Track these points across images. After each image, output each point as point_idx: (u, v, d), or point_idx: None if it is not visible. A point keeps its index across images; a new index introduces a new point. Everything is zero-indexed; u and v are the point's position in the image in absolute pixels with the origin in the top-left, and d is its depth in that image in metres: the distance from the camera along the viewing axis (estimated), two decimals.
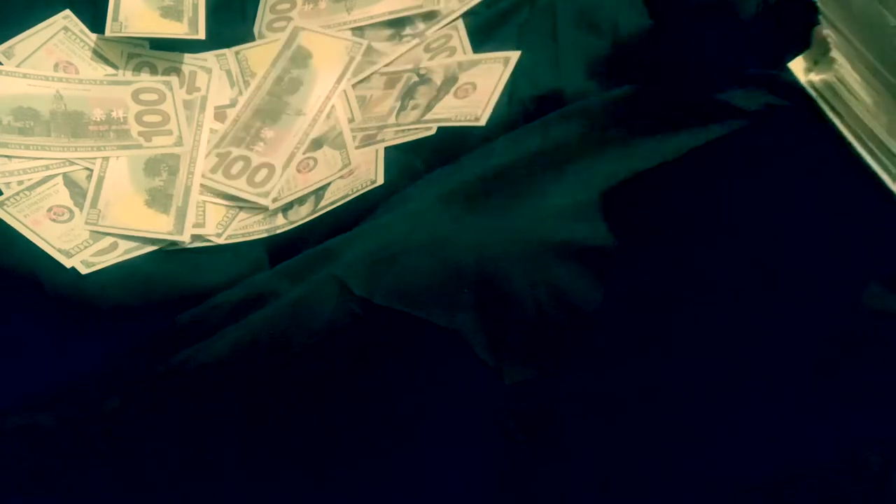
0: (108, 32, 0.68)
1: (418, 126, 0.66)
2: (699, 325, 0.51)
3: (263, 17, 0.76)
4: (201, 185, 0.66)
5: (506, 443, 0.53)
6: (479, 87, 0.66)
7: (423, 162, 0.64)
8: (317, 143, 0.68)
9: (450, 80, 0.68)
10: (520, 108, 0.65)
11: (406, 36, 0.73)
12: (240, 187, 0.66)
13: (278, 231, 0.65)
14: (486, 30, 0.70)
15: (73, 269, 0.59)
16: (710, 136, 0.55)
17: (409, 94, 0.69)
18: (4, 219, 0.61)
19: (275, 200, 0.66)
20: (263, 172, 0.67)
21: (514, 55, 0.67)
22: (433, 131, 0.65)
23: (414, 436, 0.53)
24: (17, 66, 0.67)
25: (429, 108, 0.67)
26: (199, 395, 0.53)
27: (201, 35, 0.69)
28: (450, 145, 0.64)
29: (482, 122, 0.64)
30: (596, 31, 0.67)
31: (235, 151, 0.67)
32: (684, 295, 0.51)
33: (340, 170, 0.66)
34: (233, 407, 0.53)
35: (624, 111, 0.61)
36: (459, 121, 0.65)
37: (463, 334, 0.52)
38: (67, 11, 0.70)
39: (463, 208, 0.56)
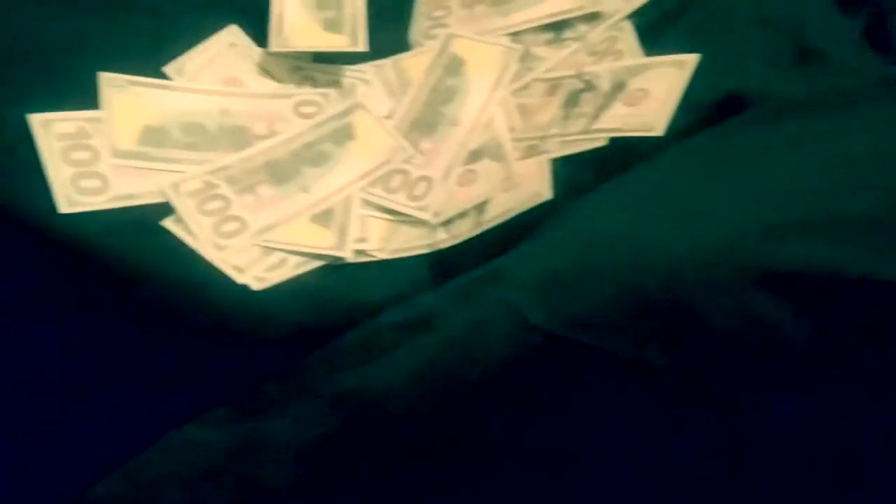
0: (272, 48, 0.61)
1: (586, 137, 0.55)
2: None
3: (419, 23, 0.67)
4: (362, 199, 0.59)
5: (692, 478, 0.43)
6: (652, 93, 0.55)
7: (591, 174, 0.54)
8: (476, 155, 0.59)
9: (618, 86, 0.57)
10: (697, 114, 0.54)
11: (567, 39, 0.63)
12: (400, 201, 0.58)
13: (440, 246, 0.56)
14: (654, 31, 0.58)
15: (244, 285, 0.53)
16: None
17: (572, 101, 0.58)
18: (176, 234, 0.55)
19: (436, 215, 0.57)
20: (422, 186, 0.58)
21: (691, 58, 0.55)
22: (604, 142, 0.54)
23: (595, 473, 0.44)
24: (187, 81, 0.61)
25: (596, 116, 0.56)
26: (374, 425, 0.46)
27: (363, 47, 0.61)
28: (620, 156, 0.54)
29: (659, 132, 0.52)
30: (777, 27, 0.55)
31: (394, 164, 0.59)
32: None
33: (502, 182, 0.57)
34: (408, 439, 0.45)
35: (815, 108, 0.49)
36: (633, 131, 0.54)
37: (650, 366, 0.42)
38: (234, 27, 0.62)
39: (644, 226, 0.46)
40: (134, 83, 0.57)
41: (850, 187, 0.43)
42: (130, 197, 0.54)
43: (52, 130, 0.54)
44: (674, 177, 0.46)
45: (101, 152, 0.54)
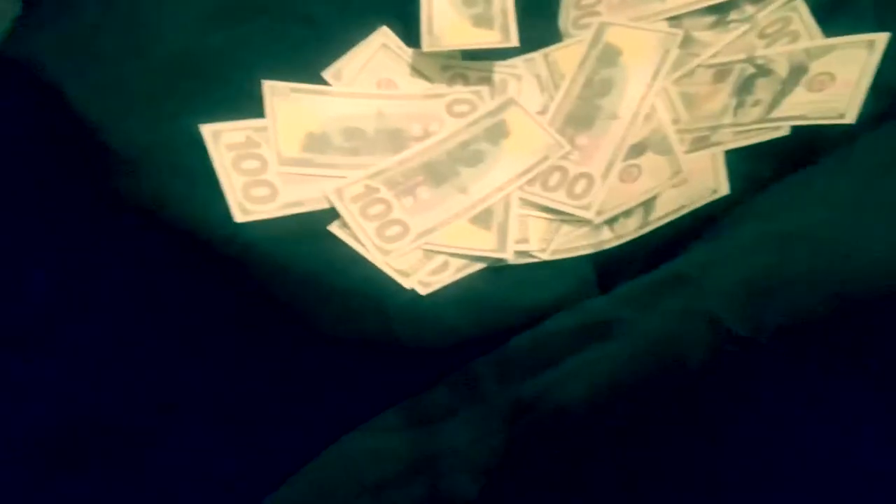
0: (424, 47, 0.58)
1: (765, 126, 0.49)
2: None
3: (568, 13, 0.62)
4: (520, 198, 0.55)
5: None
6: (838, 77, 0.49)
7: (771, 168, 0.48)
8: (638, 149, 0.54)
9: (797, 70, 0.51)
10: (889, 99, 0.47)
11: (732, 22, 0.57)
12: (559, 199, 0.54)
13: (605, 246, 0.52)
14: (831, 8, 0.52)
15: (411, 289, 0.51)
16: None
17: (745, 88, 0.52)
18: (343, 239, 0.53)
19: (599, 213, 0.53)
20: (582, 183, 0.54)
21: (882, 37, 0.48)
22: (786, 131, 0.48)
23: (806, 491, 0.39)
24: (345, 86, 0.59)
25: (774, 103, 0.50)
26: (557, 439, 0.42)
27: (514, 42, 0.57)
28: (803, 147, 0.48)
29: (850, 120, 0.46)
30: None
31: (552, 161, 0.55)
32: None
33: (670, 178, 0.52)
34: (596, 456, 0.42)
35: None
36: (819, 118, 0.48)
37: (868, 383, 0.37)
38: (385, 28, 0.60)
39: (846, 228, 0.40)
40: (296, 90, 0.56)
41: None
42: (298, 204, 0.53)
43: (222, 141, 0.53)
44: (872, 172, 0.40)
45: (269, 161, 0.53)
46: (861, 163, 0.42)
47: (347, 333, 0.48)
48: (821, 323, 0.37)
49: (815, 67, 0.48)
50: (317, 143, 0.54)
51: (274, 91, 0.55)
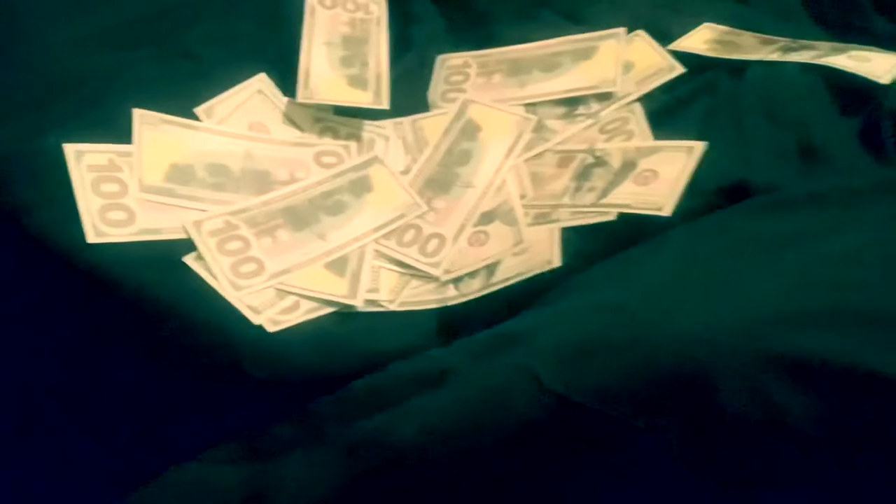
0: (299, 98, 0.61)
1: (597, 210, 0.56)
2: None
3: (438, 87, 0.68)
4: (375, 250, 0.59)
5: None
6: (660, 175, 0.56)
7: (599, 246, 0.54)
8: (488, 218, 0.59)
9: (628, 165, 0.58)
10: (701, 199, 0.55)
11: (579, 115, 0.64)
12: (412, 255, 0.58)
13: (449, 303, 0.56)
14: (664, 115, 0.60)
15: (260, 326, 0.53)
16: None
17: (584, 174, 0.59)
18: (196, 271, 0.54)
19: (446, 272, 0.57)
20: (434, 242, 0.59)
21: (699, 145, 0.57)
22: (613, 217, 0.55)
23: None
24: (216, 124, 0.62)
25: (606, 191, 0.57)
26: (388, 477, 0.45)
27: (385, 105, 0.62)
28: (628, 233, 0.54)
29: (667, 213, 0.53)
30: (783, 125, 0.56)
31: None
32: None
33: (513, 246, 0.57)
34: (422, 494, 0.45)
35: (818, 204, 0.50)
36: (642, 208, 0.55)
37: (662, 438, 0.43)
38: (263, 75, 0.63)
39: (659, 303, 0.46)
40: (165, 121, 0.57)
41: (856, 283, 0.44)
42: (155, 231, 0.53)
43: (84, 161, 0.54)
44: (684, 256, 0.47)
45: (130, 186, 0.54)
46: (674, 250, 0.49)
47: (195, 364, 0.49)
48: (630, 385, 0.42)
49: (643, 164, 0.55)
50: (180, 174, 0.55)
51: (143, 119, 0.56)
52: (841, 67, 0.55)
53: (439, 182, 0.57)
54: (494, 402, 0.41)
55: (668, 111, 0.56)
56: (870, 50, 0.57)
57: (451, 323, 0.51)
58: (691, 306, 0.42)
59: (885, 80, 0.53)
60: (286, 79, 0.60)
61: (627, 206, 0.51)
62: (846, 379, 0.39)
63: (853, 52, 0.56)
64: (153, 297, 0.49)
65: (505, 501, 0.41)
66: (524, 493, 0.41)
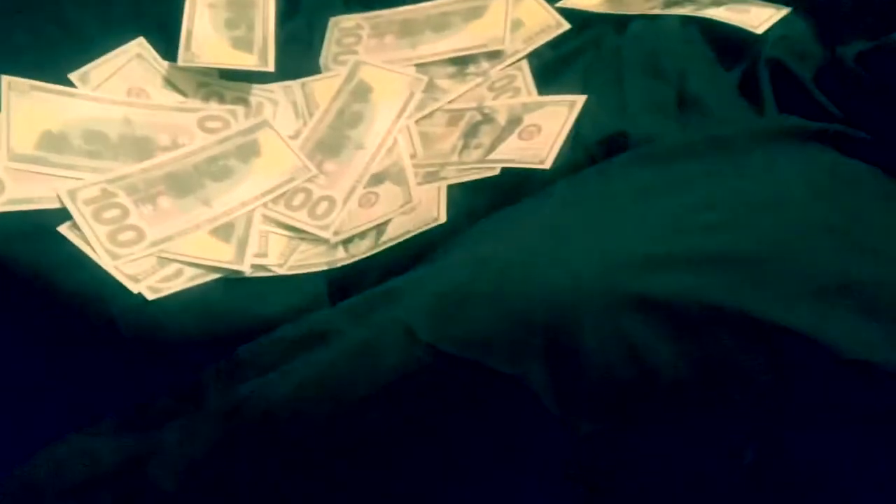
0: (180, 62, 0.60)
1: (482, 166, 0.56)
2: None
3: (329, 49, 0.67)
4: (263, 215, 0.58)
5: (572, 495, 0.45)
6: (543, 129, 0.57)
7: (484, 202, 0.55)
8: (378, 178, 0.59)
9: (514, 121, 0.59)
10: (584, 151, 0.55)
11: (469, 74, 0.64)
12: (301, 219, 0.58)
13: (338, 264, 0.56)
14: (550, 72, 0.60)
15: (139, 294, 0.52)
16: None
17: (472, 132, 0.60)
18: (73, 241, 0.53)
19: (336, 234, 0.57)
20: (324, 205, 0.59)
21: (580, 99, 0.58)
22: (497, 172, 0.55)
23: (481, 486, 0.45)
24: (91, 90, 0.60)
25: (492, 147, 0.58)
26: (264, 435, 0.45)
27: (270, 68, 0.61)
28: (512, 187, 0.55)
29: (547, 166, 0.55)
30: (663, 78, 0.58)
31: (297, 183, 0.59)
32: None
33: (402, 206, 0.57)
34: (297, 449, 0.45)
35: (692, 154, 0.52)
36: (524, 162, 0.56)
37: (530, 383, 0.44)
38: (141, 39, 0.61)
39: (528, 253, 0.48)
40: (37, 88, 0.55)
41: (725, 226, 0.45)
42: (27, 201, 0.52)
43: None
44: (559, 209, 0.48)
45: None
46: (553, 203, 0.50)
47: (71, 334, 0.48)
48: (498, 334, 0.43)
49: (528, 119, 0.56)
50: (54, 142, 0.54)
51: (12, 86, 0.54)
52: (719, 19, 0.56)
53: (330, 145, 0.57)
54: (368, 356, 0.42)
55: (553, 67, 0.57)
56: (749, 2, 0.58)
57: (341, 285, 0.51)
58: (558, 255, 0.43)
59: (760, 29, 0.55)
60: (167, 44, 0.58)
61: (511, 160, 0.52)
62: (705, 318, 0.41)
63: (733, 4, 0.58)
64: (28, 268, 0.48)
65: (377, 450, 0.42)
66: (396, 441, 0.42)
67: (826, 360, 0.40)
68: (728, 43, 0.56)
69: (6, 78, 0.52)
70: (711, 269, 0.41)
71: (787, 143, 0.50)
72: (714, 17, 0.56)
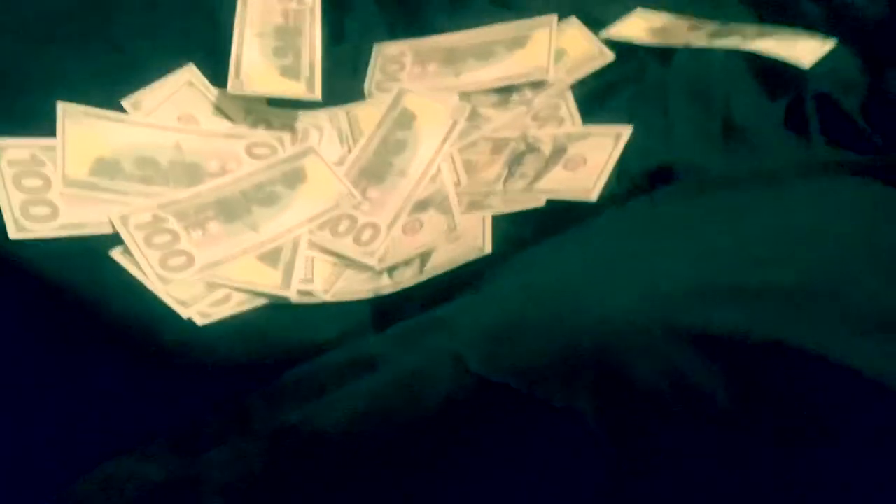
0: (229, 90, 0.61)
1: (527, 196, 0.58)
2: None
3: (374, 76, 0.68)
4: (309, 241, 0.60)
5: None
6: (589, 160, 0.58)
7: (529, 232, 0.56)
8: (422, 206, 0.60)
9: (559, 151, 0.59)
10: (629, 182, 0.56)
11: (513, 103, 0.65)
12: (346, 245, 0.59)
13: (383, 292, 0.57)
14: (594, 101, 0.61)
15: (189, 319, 0.53)
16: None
17: (516, 161, 0.60)
18: (125, 265, 0.55)
19: (381, 261, 0.58)
20: (369, 232, 0.59)
21: (626, 130, 0.58)
22: (542, 203, 0.57)
23: None
24: (143, 116, 0.61)
25: (537, 177, 0.58)
26: (311, 460, 0.46)
27: (317, 96, 0.62)
28: (557, 217, 0.55)
29: (593, 198, 0.55)
30: (708, 109, 0.58)
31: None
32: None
33: (446, 234, 0.58)
34: (343, 475, 0.45)
35: (738, 186, 0.52)
36: (570, 194, 0.56)
37: (580, 415, 0.44)
38: (191, 66, 0.63)
39: (577, 283, 0.48)
40: (90, 114, 0.57)
41: (774, 260, 0.45)
42: (80, 226, 0.53)
43: (5, 156, 0.54)
44: (609, 239, 0.48)
45: (53, 180, 0.54)
46: (600, 233, 0.50)
47: (122, 359, 0.49)
48: (548, 364, 0.43)
49: (573, 150, 0.57)
50: (106, 168, 0.55)
51: (67, 112, 0.56)
52: (766, 52, 0.57)
53: (374, 172, 0.58)
54: (417, 385, 0.42)
55: (597, 97, 0.58)
56: (796, 33, 0.59)
57: (385, 312, 0.52)
58: (609, 286, 0.43)
59: (807, 63, 0.55)
60: (216, 70, 0.60)
61: (556, 191, 0.53)
62: (755, 352, 0.41)
63: (779, 36, 0.58)
64: (81, 292, 0.49)
65: (423, 481, 0.42)
66: (442, 472, 0.42)
67: (875, 393, 0.40)
68: (773, 74, 0.56)
69: (61, 104, 0.54)
70: (760, 302, 0.41)
71: (833, 174, 0.50)
72: (760, 50, 0.57)
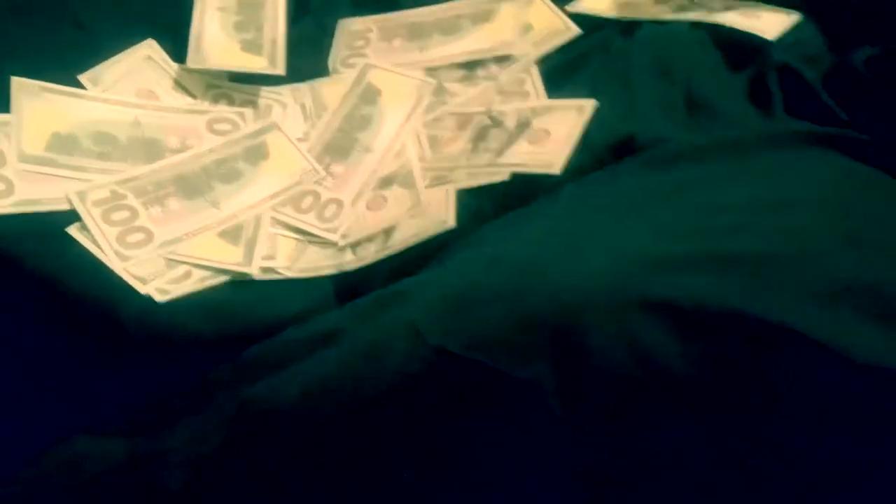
0: (189, 64, 0.60)
1: (491, 170, 0.58)
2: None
3: (338, 52, 0.68)
4: (271, 217, 0.59)
5: (579, 496, 0.45)
6: (553, 134, 0.57)
7: (493, 206, 0.56)
8: (386, 181, 0.60)
9: (523, 125, 0.59)
10: (592, 155, 0.56)
11: (479, 78, 0.65)
12: (309, 221, 0.58)
13: (346, 268, 0.56)
14: (559, 76, 0.61)
15: (147, 296, 0.52)
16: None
17: (480, 136, 0.60)
18: (82, 242, 0.54)
19: (344, 237, 0.58)
20: (332, 208, 0.59)
21: (589, 103, 0.58)
22: (507, 177, 0.56)
23: (487, 487, 0.45)
24: (101, 92, 0.61)
25: (501, 151, 0.58)
26: (270, 437, 0.45)
27: (281, 71, 0.61)
28: (521, 191, 0.55)
29: (557, 171, 0.55)
30: (671, 81, 0.58)
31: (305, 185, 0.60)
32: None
33: (410, 209, 0.58)
34: (303, 449, 0.45)
35: (701, 157, 0.53)
36: (534, 167, 0.56)
37: (537, 384, 0.44)
38: (151, 41, 0.62)
39: (537, 254, 0.48)
40: (46, 89, 0.56)
41: (737, 229, 0.46)
42: (36, 202, 0.52)
43: None
44: (569, 211, 0.49)
45: (8, 156, 0.53)
46: (563, 206, 0.50)
47: (79, 335, 0.49)
48: (505, 334, 0.43)
49: (537, 123, 0.56)
50: (63, 143, 0.55)
51: (22, 88, 0.55)
52: (730, 24, 0.57)
53: (338, 147, 0.58)
54: (375, 357, 0.42)
55: (562, 71, 0.57)
56: (761, 7, 0.59)
57: (349, 287, 0.51)
58: (567, 256, 0.43)
59: (771, 35, 0.55)
60: (177, 46, 0.59)
61: (520, 165, 0.52)
62: (715, 320, 0.41)
63: (744, 9, 0.58)
64: (37, 269, 0.48)
65: (383, 451, 0.42)
66: (402, 443, 0.42)
67: (837, 364, 0.40)
68: (737, 47, 0.56)
69: (15, 80, 0.53)
70: (720, 271, 0.41)
71: (796, 146, 0.51)
72: (725, 23, 0.57)
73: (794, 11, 0.58)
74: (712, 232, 0.44)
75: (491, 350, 0.41)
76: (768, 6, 0.59)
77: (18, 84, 0.53)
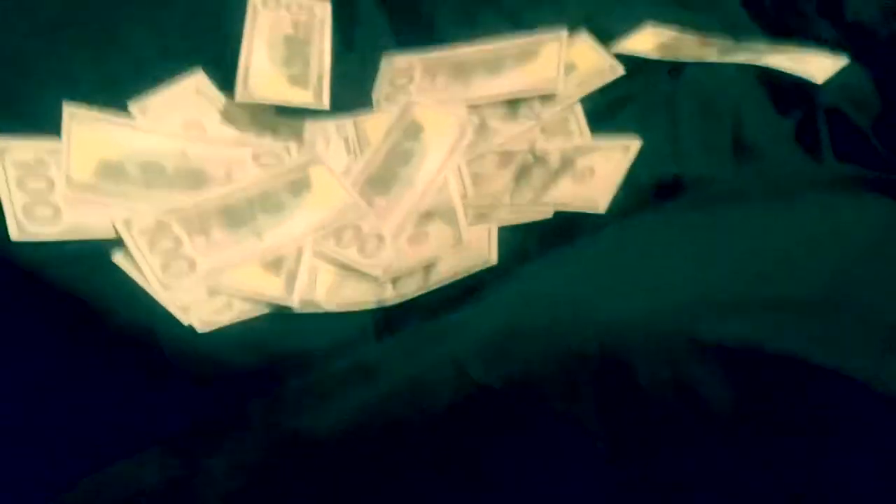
0: (237, 97, 0.62)
1: (535, 208, 0.58)
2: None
3: (382, 88, 0.69)
4: (314, 250, 0.59)
5: None
6: (597, 172, 0.58)
7: (535, 244, 0.56)
8: (428, 217, 0.60)
9: (566, 164, 0.59)
10: (637, 195, 0.56)
11: (521, 116, 0.66)
12: (351, 256, 0.58)
13: (387, 303, 0.57)
14: (603, 115, 0.61)
15: (189, 326, 0.53)
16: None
17: (523, 174, 0.60)
18: (125, 269, 0.54)
19: (385, 272, 0.58)
20: (374, 242, 0.59)
21: (635, 143, 0.58)
22: (550, 215, 0.56)
23: None
24: (150, 121, 0.62)
25: (544, 190, 0.59)
26: (309, 469, 0.45)
27: (325, 105, 0.62)
28: (564, 229, 0.55)
29: (602, 210, 0.55)
30: (717, 122, 0.58)
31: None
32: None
33: (452, 245, 0.58)
34: (342, 483, 0.45)
35: (747, 198, 0.52)
36: (578, 206, 0.56)
37: (583, 423, 0.43)
38: (200, 72, 0.63)
39: (582, 292, 0.48)
40: (96, 118, 0.57)
41: (783, 272, 0.45)
42: (82, 229, 0.53)
43: (8, 156, 0.54)
44: (613, 250, 0.48)
45: (57, 182, 0.54)
46: (607, 244, 0.50)
47: (123, 364, 0.49)
48: (550, 371, 0.43)
49: (581, 162, 0.56)
50: (111, 171, 0.55)
51: (73, 115, 0.56)
52: (777, 67, 0.57)
53: (380, 182, 0.58)
54: (418, 392, 0.42)
55: (607, 110, 0.58)
56: (808, 50, 0.59)
57: (388, 321, 0.51)
58: (615, 294, 0.43)
59: (820, 79, 0.55)
60: (226, 77, 0.60)
61: (564, 203, 0.52)
62: (764, 364, 0.40)
63: (791, 52, 0.58)
64: (82, 296, 0.49)
65: (425, 487, 0.41)
66: (444, 478, 0.41)
67: (886, 410, 0.39)
68: (784, 89, 0.56)
69: (69, 108, 0.54)
70: (766, 314, 0.41)
71: (844, 189, 0.50)
72: (771, 65, 0.57)
73: (842, 55, 0.58)
74: (759, 274, 0.43)
75: (535, 385, 0.40)
76: (815, 49, 0.59)
77: (70, 111, 0.54)
